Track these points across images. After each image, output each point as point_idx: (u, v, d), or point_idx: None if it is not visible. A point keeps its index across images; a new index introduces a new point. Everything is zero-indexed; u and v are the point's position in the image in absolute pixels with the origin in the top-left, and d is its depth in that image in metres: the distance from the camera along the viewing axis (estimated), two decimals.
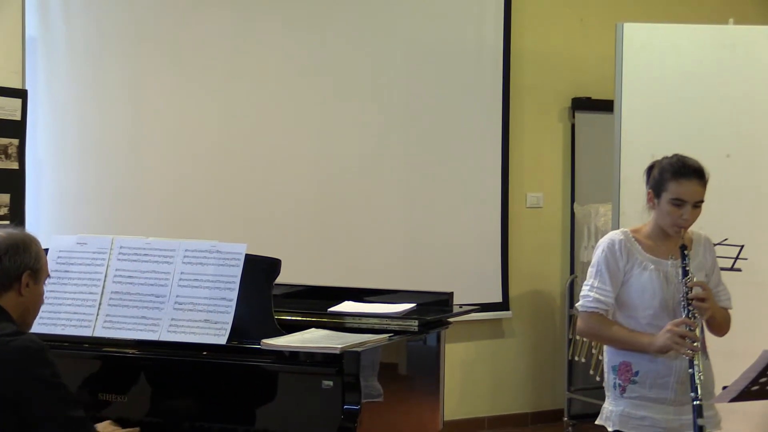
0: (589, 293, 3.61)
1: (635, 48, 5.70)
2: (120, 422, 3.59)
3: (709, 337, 3.70)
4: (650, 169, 3.66)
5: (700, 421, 3.34)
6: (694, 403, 3.36)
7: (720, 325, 3.66)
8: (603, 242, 3.66)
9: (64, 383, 3.09)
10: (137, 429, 3.54)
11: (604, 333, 3.61)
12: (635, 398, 3.58)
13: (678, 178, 3.53)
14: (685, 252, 3.54)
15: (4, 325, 3.06)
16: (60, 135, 5.87)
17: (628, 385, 3.58)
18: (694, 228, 3.66)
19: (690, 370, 3.40)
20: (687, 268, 3.51)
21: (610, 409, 3.65)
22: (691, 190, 3.53)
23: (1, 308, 3.11)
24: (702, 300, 3.47)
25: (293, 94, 6.45)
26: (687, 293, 3.48)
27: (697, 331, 3.47)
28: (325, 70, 6.56)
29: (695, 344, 3.41)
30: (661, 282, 3.57)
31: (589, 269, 3.66)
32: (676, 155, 3.62)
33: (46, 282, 3.26)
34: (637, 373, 3.57)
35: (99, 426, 3.42)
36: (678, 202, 3.52)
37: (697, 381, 3.37)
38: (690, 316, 3.45)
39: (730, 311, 3.72)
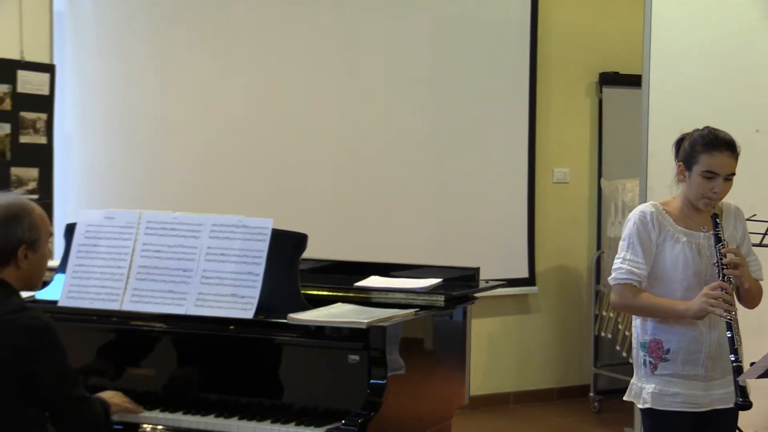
0: (621, 265, 3.57)
1: (664, 21, 5.64)
2: (146, 396, 3.64)
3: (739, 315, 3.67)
4: (679, 142, 3.63)
5: (740, 380, 3.31)
6: (734, 364, 3.34)
7: (753, 296, 3.62)
8: (634, 215, 3.63)
9: (67, 362, 3.12)
10: (140, 408, 3.57)
11: (638, 303, 3.56)
12: (667, 375, 3.55)
13: (710, 150, 3.49)
14: (717, 220, 3.51)
15: (8, 301, 3.07)
16: (88, 110, 5.90)
17: (660, 363, 3.56)
18: (724, 199, 3.63)
19: (728, 333, 3.36)
20: (720, 235, 3.49)
21: (640, 386, 3.63)
22: (723, 162, 3.49)
23: (2, 281, 3.11)
24: (735, 266, 3.45)
25: (320, 68, 6.45)
26: (721, 259, 3.45)
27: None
28: (351, 46, 6.55)
29: (732, 306, 3.38)
30: (694, 254, 3.54)
31: (621, 242, 3.63)
32: (707, 127, 3.58)
33: (50, 240, 3.24)
34: (668, 350, 3.54)
35: (106, 394, 3.45)
36: (709, 175, 3.49)
37: (737, 344, 3.35)
38: (725, 280, 3.43)
39: (761, 283, 3.69)
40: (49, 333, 3.05)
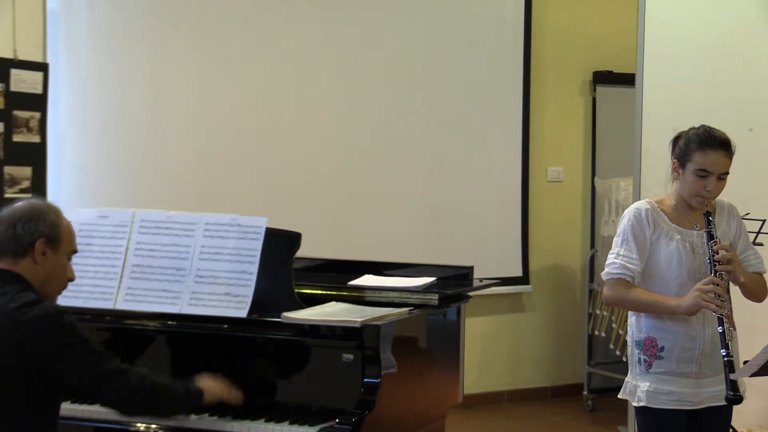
0: (615, 260, 3.58)
1: (658, 20, 5.65)
2: None
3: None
4: (676, 140, 3.63)
5: (732, 376, 3.31)
6: (725, 359, 3.34)
7: (754, 291, 3.62)
8: (629, 211, 3.64)
9: (89, 340, 3.11)
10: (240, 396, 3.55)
11: (631, 298, 3.57)
12: (662, 373, 3.55)
13: (704, 149, 3.50)
14: (710, 218, 3.52)
15: (22, 294, 3.07)
16: (81, 108, 5.89)
17: (655, 361, 3.56)
18: (718, 197, 3.63)
19: (719, 328, 3.37)
20: (712, 232, 3.49)
21: (634, 384, 3.63)
22: (717, 160, 3.50)
23: (19, 276, 3.11)
24: (728, 263, 3.45)
25: (314, 66, 6.44)
26: (712, 256, 3.46)
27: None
28: (344, 45, 6.55)
29: (724, 302, 3.39)
30: (688, 252, 3.54)
31: (615, 239, 3.63)
32: (702, 126, 3.58)
33: (71, 256, 3.24)
34: (662, 348, 3.54)
35: (205, 383, 3.43)
36: (703, 173, 3.50)
37: (728, 338, 3.35)
38: (717, 276, 3.43)
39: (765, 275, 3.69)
40: (65, 318, 3.06)
